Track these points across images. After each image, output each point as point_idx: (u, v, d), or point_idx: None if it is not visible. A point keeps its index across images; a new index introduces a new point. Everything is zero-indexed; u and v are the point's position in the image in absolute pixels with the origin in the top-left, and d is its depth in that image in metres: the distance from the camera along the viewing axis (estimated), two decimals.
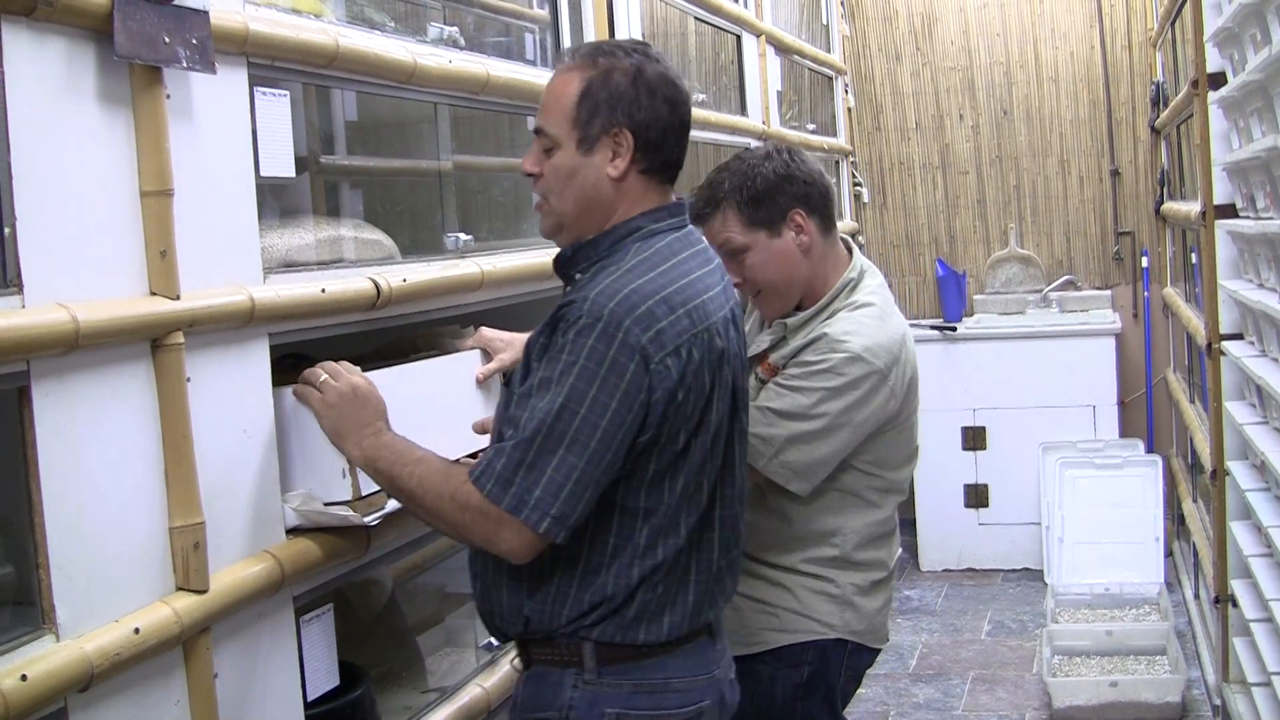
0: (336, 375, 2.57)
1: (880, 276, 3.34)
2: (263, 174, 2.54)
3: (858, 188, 8.20)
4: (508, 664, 3.35)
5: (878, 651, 3.35)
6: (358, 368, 2.62)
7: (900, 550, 3.40)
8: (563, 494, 2.33)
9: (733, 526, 2.64)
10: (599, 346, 2.34)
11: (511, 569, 2.50)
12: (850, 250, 3.32)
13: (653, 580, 2.48)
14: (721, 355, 2.51)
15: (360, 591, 3.32)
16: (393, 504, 2.67)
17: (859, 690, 5.92)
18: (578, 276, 2.55)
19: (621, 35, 4.26)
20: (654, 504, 2.46)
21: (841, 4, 8.16)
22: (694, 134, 4.98)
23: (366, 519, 2.63)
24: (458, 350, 3.07)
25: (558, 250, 2.63)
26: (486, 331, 3.13)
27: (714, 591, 2.61)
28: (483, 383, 3.03)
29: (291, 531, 2.56)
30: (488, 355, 3.09)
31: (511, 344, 3.08)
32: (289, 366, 2.65)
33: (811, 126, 7.14)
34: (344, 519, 2.60)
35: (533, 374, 2.42)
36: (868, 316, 3.17)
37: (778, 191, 3.17)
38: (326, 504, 2.61)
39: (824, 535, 3.18)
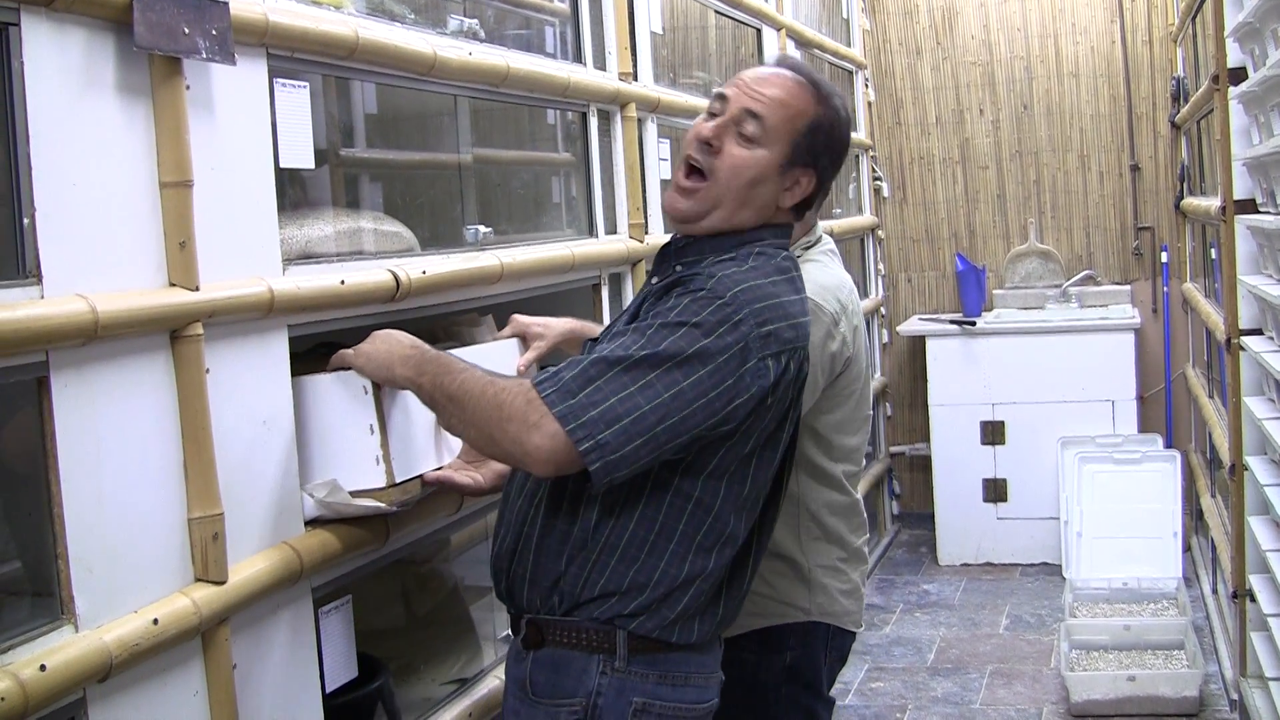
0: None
1: (832, 244, 3.35)
2: (282, 165, 2.54)
3: (878, 182, 8.20)
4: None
5: (853, 635, 3.34)
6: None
7: (867, 535, 3.36)
8: (616, 426, 2.27)
9: (764, 548, 2.65)
10: (710, 319, 2.33)
11: (559, 531, 2.47)
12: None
13: (700, 587, 2.47)
14: (804, 382, 2.54)
15: (418, 584, 3.33)
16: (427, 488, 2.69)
17: (876, 684, 5.97)
18: (678, 268, 2.54)
19: (641, 28, 4.26)
20: (708, 497, 2.44)
21: None
22: None
23: (393, 506, 2.63)
24: (475, 341, 3.06)
25: (671, 235, 2.65)
26: (522, 318, 3.11)
27: (738, 608, 2.63)
28: (524, 372, 3.00)
29: (310, 523, 2.57)
30: (524, 342, 3.08)
31: (548, 329, 3.08)
32: (322, 355, 2.66)
33: None
34: (371, 509, 2.60)
35: (637, 322, 2.42)
36: (811, 270, 3.17)
37: None
38: (353, 492, 2.61)
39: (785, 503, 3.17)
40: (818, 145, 2.58)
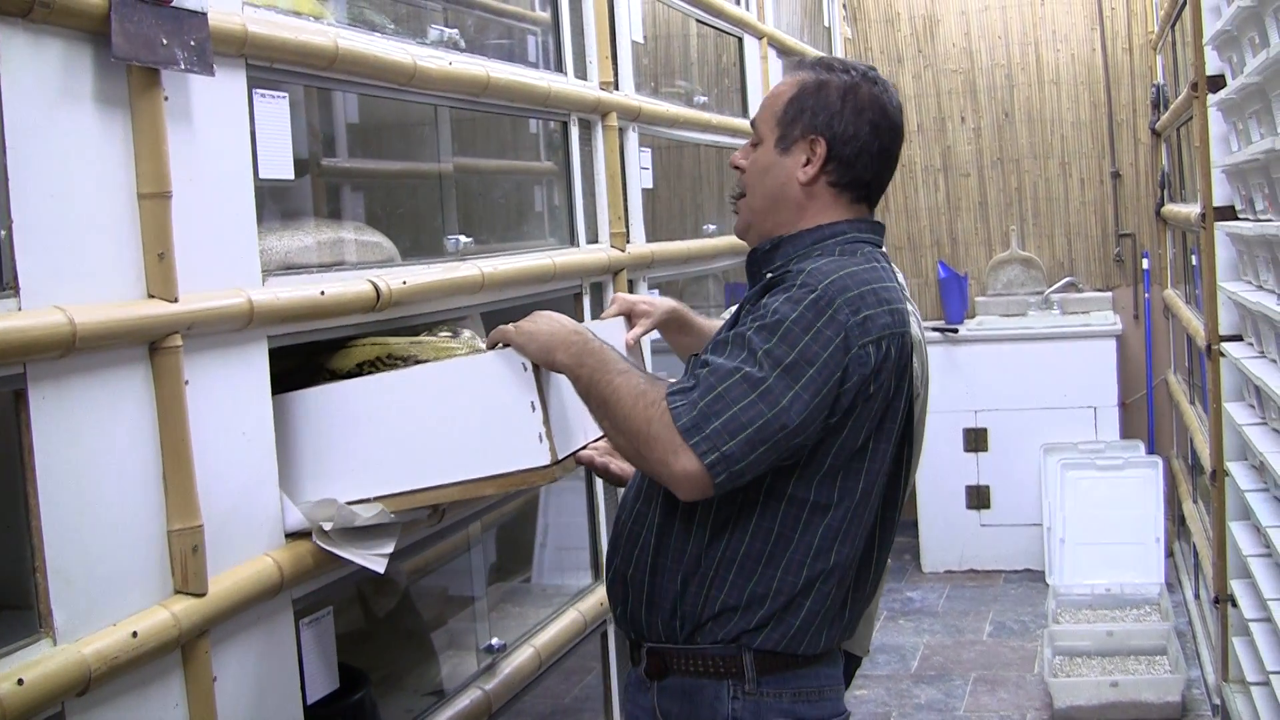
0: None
1: (900, 277, 3.34)
2: (261, 176, 2.53)
3: None
4: (509, 667, 3.34)
5: (860, 660, 3.33)
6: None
7: (890, 561, 3.36)
8: (740, 436, 2.28)
9: (887, 552, 2.63)
10: (808, 314, 2.34)
11: (673, 551, 2.48)
12: None
13: (822, 589, 2.45)
14: (907, 367, 2.51)
15: (375, 588, 3.32)
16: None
17: (860, 692, 5.97)
18: (768, 275, 2.54)
19: (622, 37, 4.26)
20: (823, 499, 2.43)
21: (843, 6, 8.16)
22: (695, 135, 4.98)
23: (379, 562, 2.62)
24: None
25: (752, 246, 2.69)
26: (627, 296, 3.14)
27: (862, 612, 2.61)
28: (632, 346, 3.00)
29: (291, 534, 2.56)
30: (629, 320, 3.08)
31: (654, 307, 3.09)
32: (450, 335, 2.74)
33: None
34: (364, 559, 2.59)
35: (737, 328, 2.43)
36: None
37: None
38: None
39: None
40: (806, 109, 2.58)
